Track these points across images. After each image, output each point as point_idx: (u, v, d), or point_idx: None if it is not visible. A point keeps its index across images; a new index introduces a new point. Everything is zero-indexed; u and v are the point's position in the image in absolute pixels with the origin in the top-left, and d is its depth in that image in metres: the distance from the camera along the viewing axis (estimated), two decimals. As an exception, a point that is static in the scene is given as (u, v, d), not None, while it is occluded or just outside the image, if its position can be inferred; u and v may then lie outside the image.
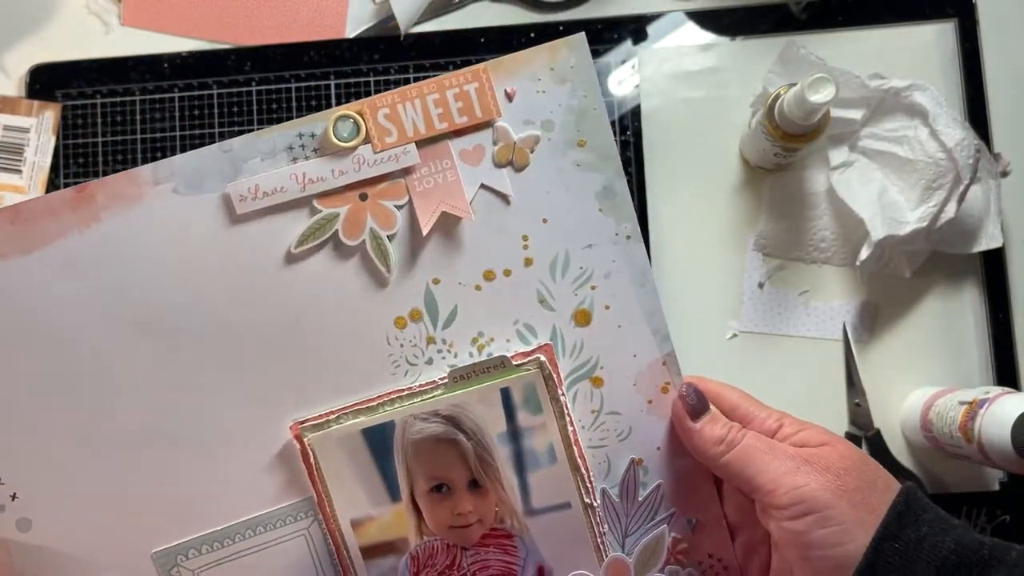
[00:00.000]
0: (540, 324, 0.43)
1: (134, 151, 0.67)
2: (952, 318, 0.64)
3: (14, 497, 0.42)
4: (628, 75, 0.66)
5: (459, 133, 0.42)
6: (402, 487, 0.43)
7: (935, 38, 0.66)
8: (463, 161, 0.42)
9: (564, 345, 0.43)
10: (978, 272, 0.64)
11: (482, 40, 0.67)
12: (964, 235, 0.61)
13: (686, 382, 0.43)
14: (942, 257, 0.62)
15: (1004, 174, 0.62)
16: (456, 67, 0.64)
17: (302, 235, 0.42)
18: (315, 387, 0.43)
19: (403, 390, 0.42)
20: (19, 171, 0.67)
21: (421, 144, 0.42)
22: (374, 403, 0.42)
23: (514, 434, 0.43)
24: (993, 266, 0.64)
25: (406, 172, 0.42)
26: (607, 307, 0.43)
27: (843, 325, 0.63)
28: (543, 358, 0.42)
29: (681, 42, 0.66)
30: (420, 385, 0.42)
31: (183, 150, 0.66)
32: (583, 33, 0.44)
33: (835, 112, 0.60)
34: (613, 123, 0.66)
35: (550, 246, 0.43)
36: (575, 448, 0.43)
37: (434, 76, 0.65)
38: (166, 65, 0.67)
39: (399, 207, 0.42)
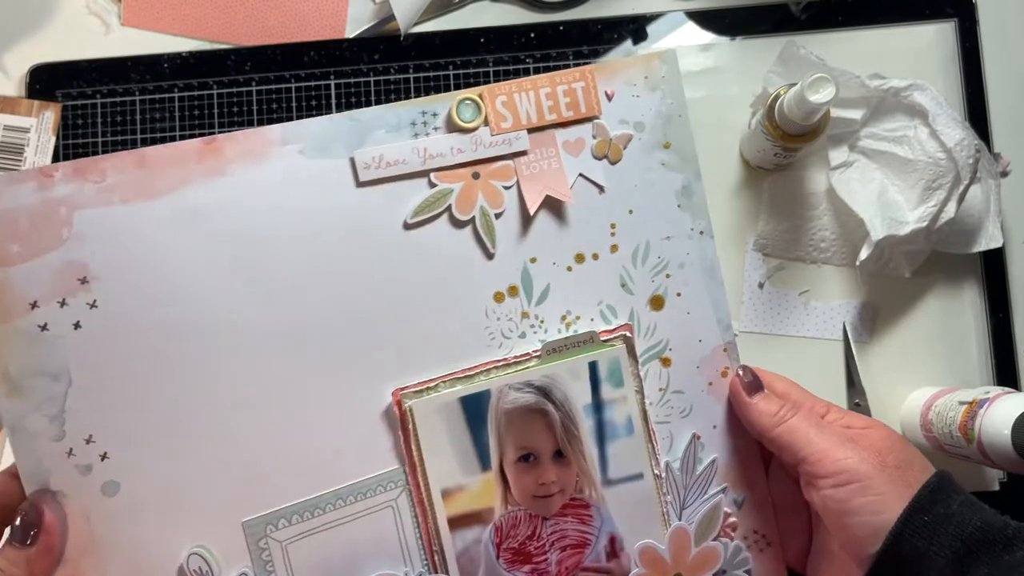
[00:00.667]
0: (620, 306, 0.46)
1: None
2: (952, 318, 0.64)
3: (104, 457, 0.40)
4: (628, 75, 0.66)
5: (564, 125, 0.46)
6: (492, 456, 0.44)
7: (935, 38, 0.66)
8: (565, 151, 0.46)
9: (640, 326, 0.46)
10: (978, 272, 0.64)
11: (482, 40, 0.67)
12: (964, 235, 0.61)
13: (744, 364, 0.47)
14: (942, 257, 0.63)
15: (1004, 174, 0.62)
16: (456, 67, 0.64)
17: (419, 206, 0.44)
18: (417, 355, 0.43)
19: (499, 361, 0.44)
20: (19, 171, 0.67)
21: (531, 131, 0.45)
22: (472, 372, 0.44)
23: (598, 406, 0.45)
24: (993, 266, 0.64)
25: (516, 156, 0.45)
26: (679, 295, 0.47)
27: (843, 325, 0.63)
28: (628, 335, 0.46)
29: (681, 42, 0.66)
30: (515, 356, 0.44)
31: (183, 150, 0.66)
32: (675, 49, 0.49)
33: (835, 112, 0.60)
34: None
35: (634, 235, 0.46)
36: (648, 422, 0.46)
37: (435, 76, 0.65)
38: (166, 65, 0.67)
39: (507, 188, 0.45)
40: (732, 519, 0.47)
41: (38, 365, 0.40)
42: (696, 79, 0.65)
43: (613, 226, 0.46)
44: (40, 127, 0.67)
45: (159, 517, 0.41)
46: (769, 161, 0.62)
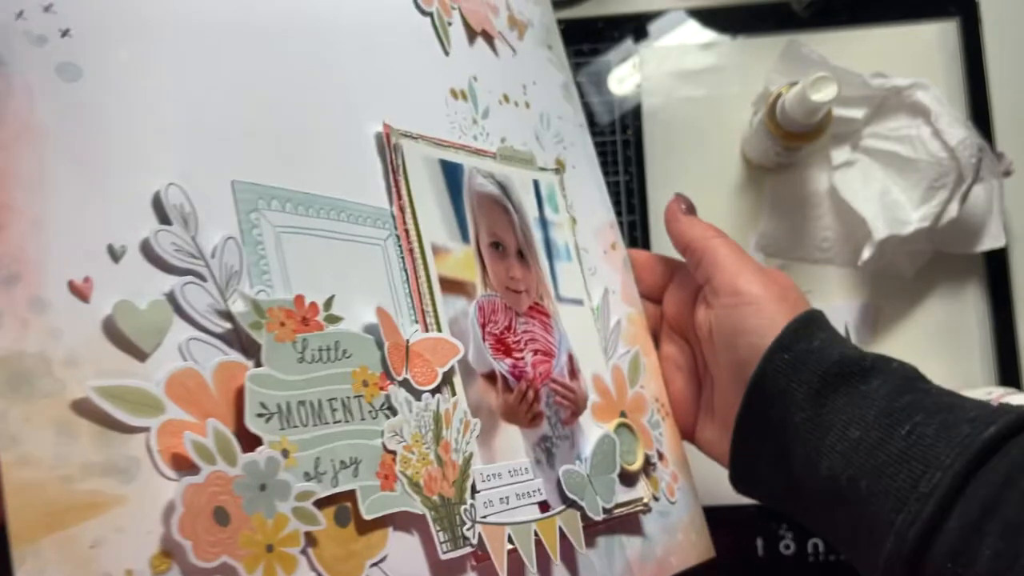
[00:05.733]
0: (538, 155, 0.47)
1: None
2: (954, 318, 0.63)
3: (65, 34, 0.29)
4: (629, 73, 0.66)
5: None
6: (470, 231, 0.41)
7: (937, 37, 0.65)
8: (489, 9, 0.48)
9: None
10: (981, 272, 0.64)
11: (482, 38, 0.66)
12: (966, 235, 0.61)
13: (680, 193, 0.51)
14: (944, 257, 0.62)
15: (1007, 173, 0.61)
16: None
17: None
18: (394, 100, 0.40)
19: (469, 145, 0.43)
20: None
21: None
22: (446, 144, 0.41)
23: (544, 223, 0.46)
24: (996, 266, 0.63)
25: None
26: (574, 167, 0.50)
27: (845, 325, 0.63)
28: (559, 167, 0.48)
29: (682, 40, 0.66)
30: (478, 148, 0.44)
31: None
32: None
33: (837, 111, 0.60)
34: (613, 122, 0.66)
35: (539, 103, 0.49)
36: (580, 256, 0.47)
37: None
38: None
39: (453, 7, 0.45)
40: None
41: None
42: (697, 78, 0.65)
43: (525, 87, 0.48)
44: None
45: (129, 130, 0.30)
46: (771, 160, 0.62)
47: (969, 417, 0.37)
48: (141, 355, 0.28)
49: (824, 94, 0.53)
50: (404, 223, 0.37)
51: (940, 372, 0.63)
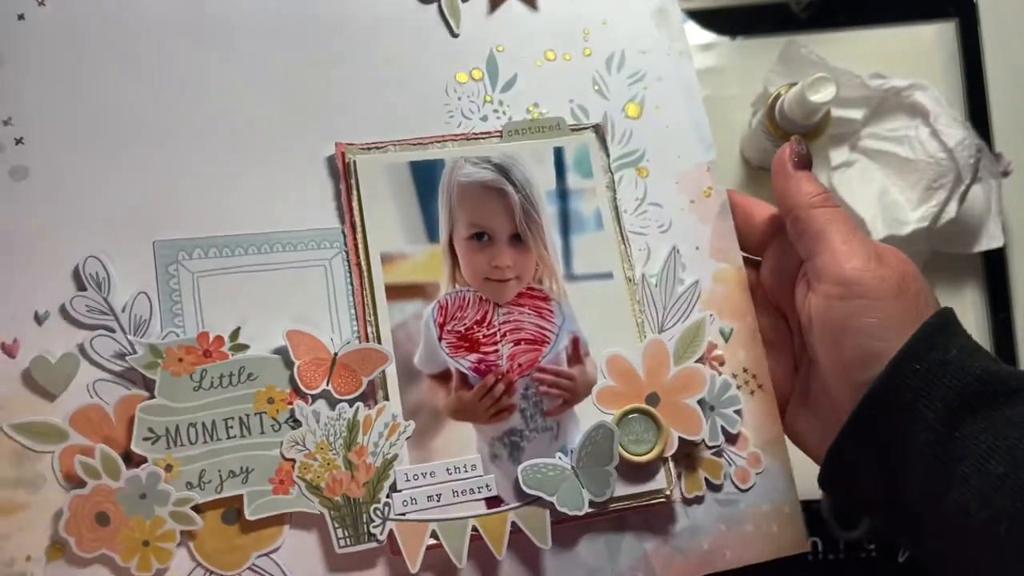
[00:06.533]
0: (593, 108, 0.44)
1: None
2: (953, 318, 0.63)
3: (19, 141, 0.38)
4: (628, 75, 0.66)
5: None
6: (442, 229, 0.40)
7: (936, 38, 0.66)
8: None
9: (615, 131, 0.44)
10: (979, 272, 0.64)
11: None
12: (965, 235, 0.61)
13: (799, 136, 0.44)
14: (943, 257, 0.62)
15: (1005, 174, 0.62)
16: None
17: None
18: (369, 121, 0.41)
19: (457, 135, 0.42)
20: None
21: None
22: (425, 142, 0.41)
23: (563, 193, 0.42)
24: (994, 266, 0.64)
25: None
26: (657, 107, 0.45)
27: (844, 325, 0.63)
28: (600, 124, 0.44)
29: (682, 42, 0.66)
30: (475, 133, 0.42)
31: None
32: None
33: (836, 112, 0.60)
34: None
35: (608, 44, 0.45)
36: (621, 222, 0.43)
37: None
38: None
39: None
40: (718, 351, 0.42)
41: None
42: (697, 79, 0.65)
43: (586, 32, 0.45)
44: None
45: (63, 213, 0.37)
46: (770, 161, 0.62)
47: None
48: (51, 397, 0.36)
49: (823, 95, 0.53)
50: (355, 239, 0.39)
51: (939, 372, 0.63)
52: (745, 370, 0.42)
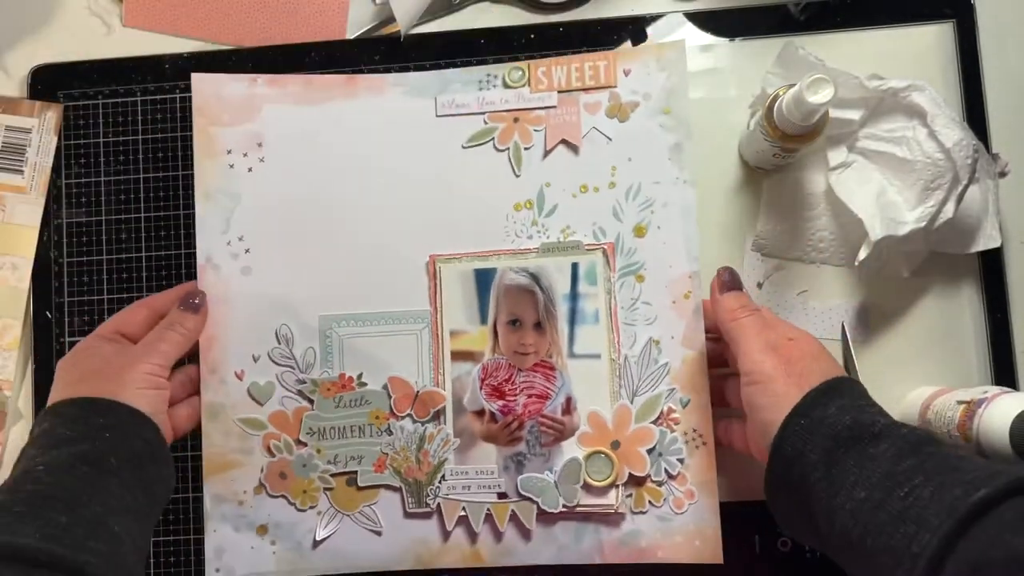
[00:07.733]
0: (610, 229, 0.61)
1: (135, 151, 0.67)
2: (950, 318, 0.64)
3: (247, 251, 0.62)
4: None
5: (587, 91, 0.62)
6: (490, 316, 0.60)
7: (934, 39, 0.66)
8: (585, 110, 0.62)
9: (623, 247, 0.60)
10: (976, 272, 0.64)
11: (482, 41, 0.67)
12: (962, 235, 0.62)
13: (727, 266, 0.57)
14: (940, 257, 0.63)
15: (1002, 174, 0.62)
16: (456, 67, 0.64)
17: (473, 135, 0.62)
18: (454, 235, 0.61)
19: (508, 250, 0.61)
20: (20, 171, 0.67)
21: (560, 92, 0.62)
22: (487, 254, 0.61)
23: (574, 296, 0.60)
24: (991, 266, 0.64)
25: (547, 108, 0.62)
26: (659, 228, 0.60)
27: (842, 325, 0.63)
28: (607, 249, 0.60)
29: (680, 43, 0.66)
30: (520, 249, 0.61)
31: (185, 151, 0.66)
32: (684, 40, 0.63)
33: (834, 113, 0.60)
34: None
35: (629, 177, 0.61)
36: (613, 319, 0.60)
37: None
38: (167, 66, 0.68)
39: (537, 131, 0.62)
40: (675, 415, 0.58)
41: (223, 187, 0.62)
42: (695, 80, 0.65)
43: (614, 168, 0.61)
44: (42, 128, 0.68)
45: (271, 297, 0.61)
46: (768, 162, 0.62)
47: (966, 480, 0.38)
48: (260, 404, 0.61)
49: (821, 96, 0.54)
50: (436, 318, 0.61)
51: (935, 372, 0.63)
52: (694, 430, 0.58)
